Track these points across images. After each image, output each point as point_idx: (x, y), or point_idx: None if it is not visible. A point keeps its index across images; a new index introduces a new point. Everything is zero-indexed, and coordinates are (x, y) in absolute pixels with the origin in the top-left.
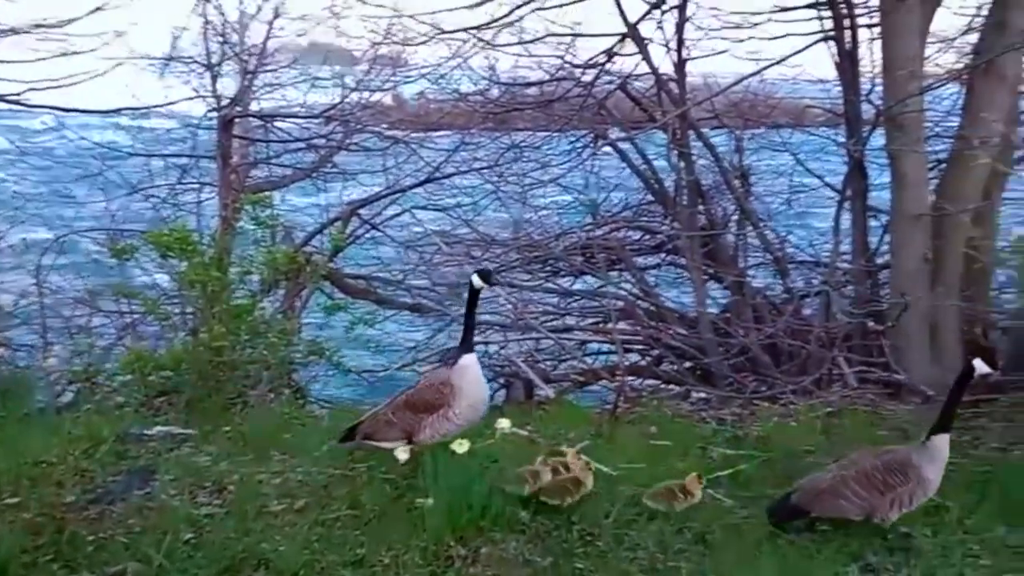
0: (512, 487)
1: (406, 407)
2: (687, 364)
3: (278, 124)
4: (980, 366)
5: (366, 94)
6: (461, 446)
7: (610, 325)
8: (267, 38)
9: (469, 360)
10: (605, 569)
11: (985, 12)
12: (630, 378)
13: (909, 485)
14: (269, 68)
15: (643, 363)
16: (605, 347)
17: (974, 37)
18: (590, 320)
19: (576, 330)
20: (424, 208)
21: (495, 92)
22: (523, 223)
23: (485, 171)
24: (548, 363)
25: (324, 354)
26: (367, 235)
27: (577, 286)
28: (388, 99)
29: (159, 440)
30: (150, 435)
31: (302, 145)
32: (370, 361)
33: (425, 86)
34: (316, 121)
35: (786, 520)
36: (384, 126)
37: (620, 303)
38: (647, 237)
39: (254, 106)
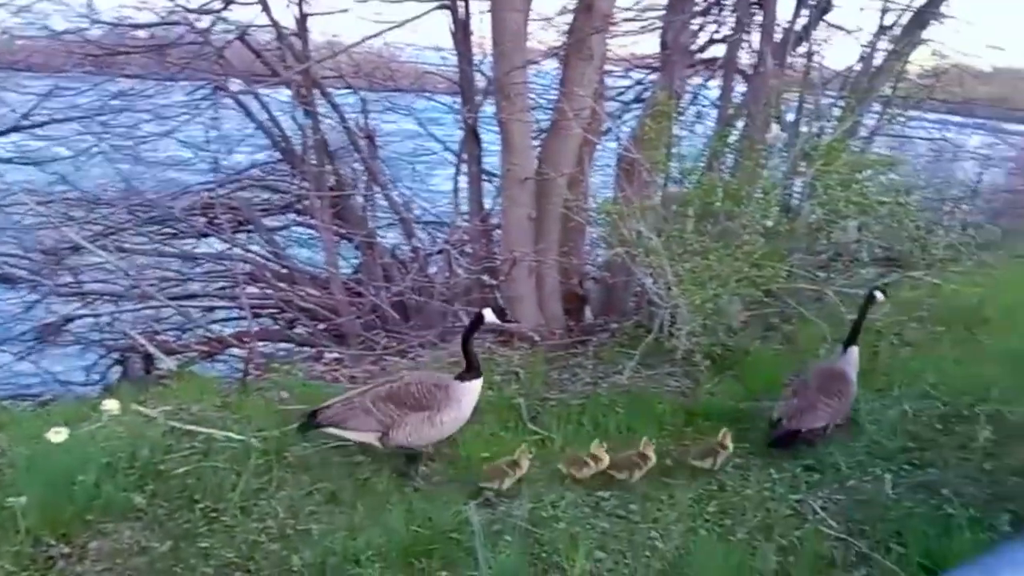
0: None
1: (388, 399)
2: (320, 325)
3: None
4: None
5: None
6: (58, 434)
7: (238, 290)
8: None
9: (477, 385)
10: (232, 544)
11: None
12: (261, 344)
13: (850, 387)
14: None
15: (275, 327)
16: (235, 313)
17: (570, 17)
18: (217, 285)
19: (201, 296)
20: (10, 161)
21: (96, 32)
22: (135, 180)
23: (86, 120)
24: (171, 333)
25: None
26: None
27: (201, 249)
28: None
29: None
30: None
31: None
32: None
33: (7, 19)
34: None
35: (789, 444)
36: None
37: (248, 266)
38: (276, 196)
39: None
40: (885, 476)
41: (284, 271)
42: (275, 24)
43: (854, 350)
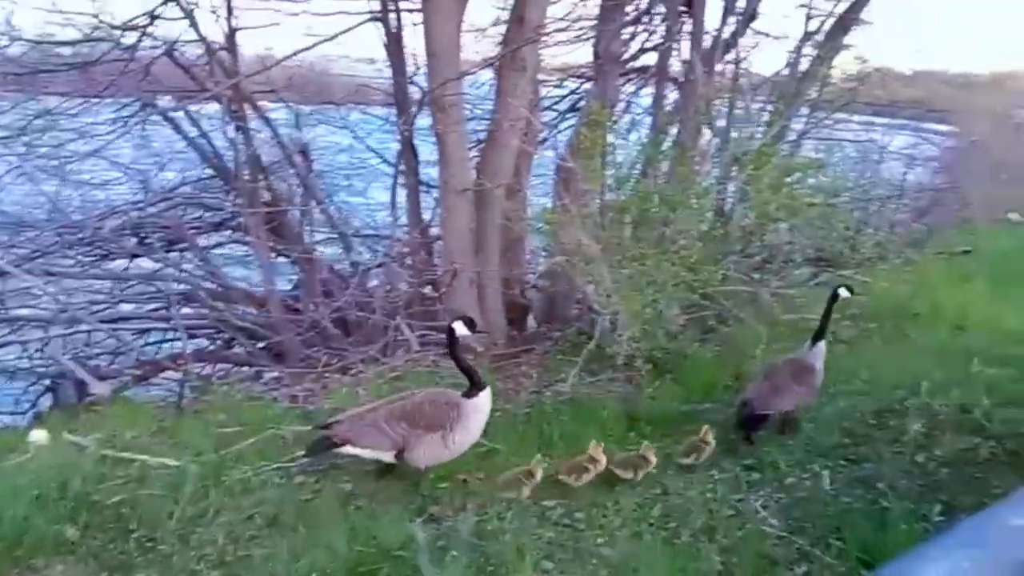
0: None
1: (402, 418)
2: (259, 344)
3: None
4: None
5: None
6: None
7: (172, 310)
8: None
9: (486, 398)
10: (170, 574)
11: (510, 7)
12: (197, 365)
13: (816, 377)
14: None
15: (211, 348)
16: (169, 334)
17: (503, 28)
18: (150, 307)
19: (133, 319)
20: None
21: (17, 50)
22: (61, 201)
23: (9, 140)
24: (103, 358)
25: None
26: None
27: (132, 270)
28: None
29: None
30: None
31: None
32: None
33: None
34: None
35: (757, 427)
36: None
37: (182, 286)
38: (209, 214)
39: None
40: (823, 472)
41: (219, 290)
42: (203, 39)
43: (821, 344)
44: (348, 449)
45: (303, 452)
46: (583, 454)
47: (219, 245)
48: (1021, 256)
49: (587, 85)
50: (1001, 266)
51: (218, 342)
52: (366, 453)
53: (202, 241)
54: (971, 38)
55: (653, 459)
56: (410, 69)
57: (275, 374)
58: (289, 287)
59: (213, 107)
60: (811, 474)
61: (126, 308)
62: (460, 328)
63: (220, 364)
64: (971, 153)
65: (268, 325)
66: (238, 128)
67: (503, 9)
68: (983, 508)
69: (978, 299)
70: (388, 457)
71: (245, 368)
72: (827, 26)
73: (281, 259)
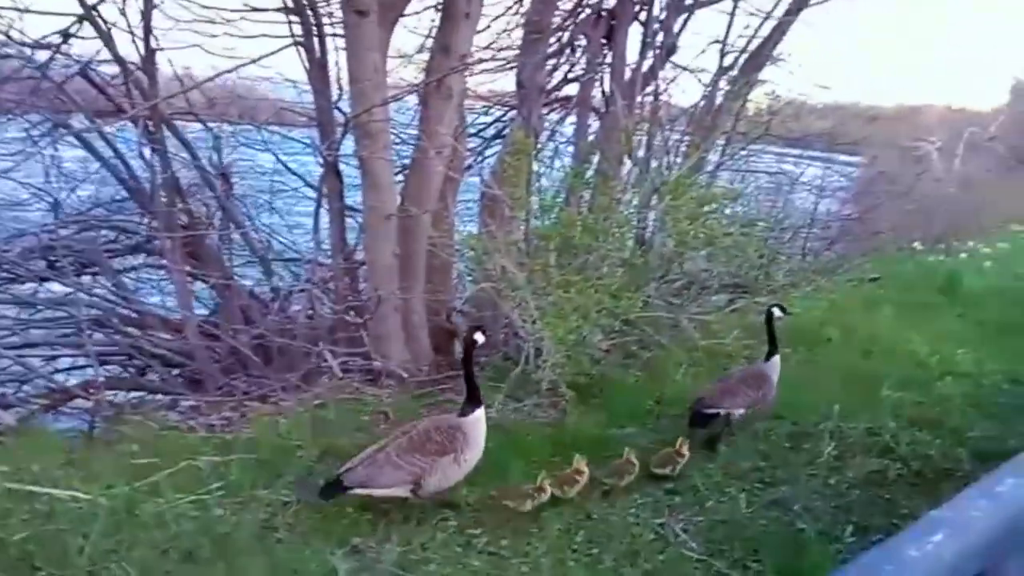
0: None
1: (412, 450)
2: (175, 371)
3: None
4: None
5: None
6: None
7: (83, 336)
8: None
9: (481, 414)
10: None
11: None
12: (110, 393)
13: (769, 385)
14: None
15: (125, 375)
16: (80, 361)
17: (428, 55)
18: (60, 332)
19: (42, 345)
20: None
21: None
22: None
23: None
24: (9, 386)
25: None
26: None
27: (41, 294)
28: None
29: None
30: None
31: None
32: None
33: None
34: None
35: (707, 422)
36: None
37: (94, 311)
38: (123, 237)
39: None
40: (740, 496)
41: (134, 315)
42: (119, 59)
43: (776, 358)
44: (363, 491)
45: (319, 495)
46: (570, 468)
47: (134, 269)
48: (925, 283)
49: (512, 113)
50: (906, 292)
51: (132, 369)
52: (380, 492)
53: (116, 265)
54: (881, 73)
55: (636, 463)
56: (335, 94)
57: (192, 402)
58: (207, 312)
59: (131, 126)
60: (729, 497)
61: (34, 334)
62: (480, 337)
63: (134, 392)
64: (879, 183)
65: (184, 352)
66: (154, 150)
67: (428, 37)
68: (892, 530)
69: (886, 324)
70: (404, 492)
71: (160, 396)
72: (741, 62)
73: (199, 284)
